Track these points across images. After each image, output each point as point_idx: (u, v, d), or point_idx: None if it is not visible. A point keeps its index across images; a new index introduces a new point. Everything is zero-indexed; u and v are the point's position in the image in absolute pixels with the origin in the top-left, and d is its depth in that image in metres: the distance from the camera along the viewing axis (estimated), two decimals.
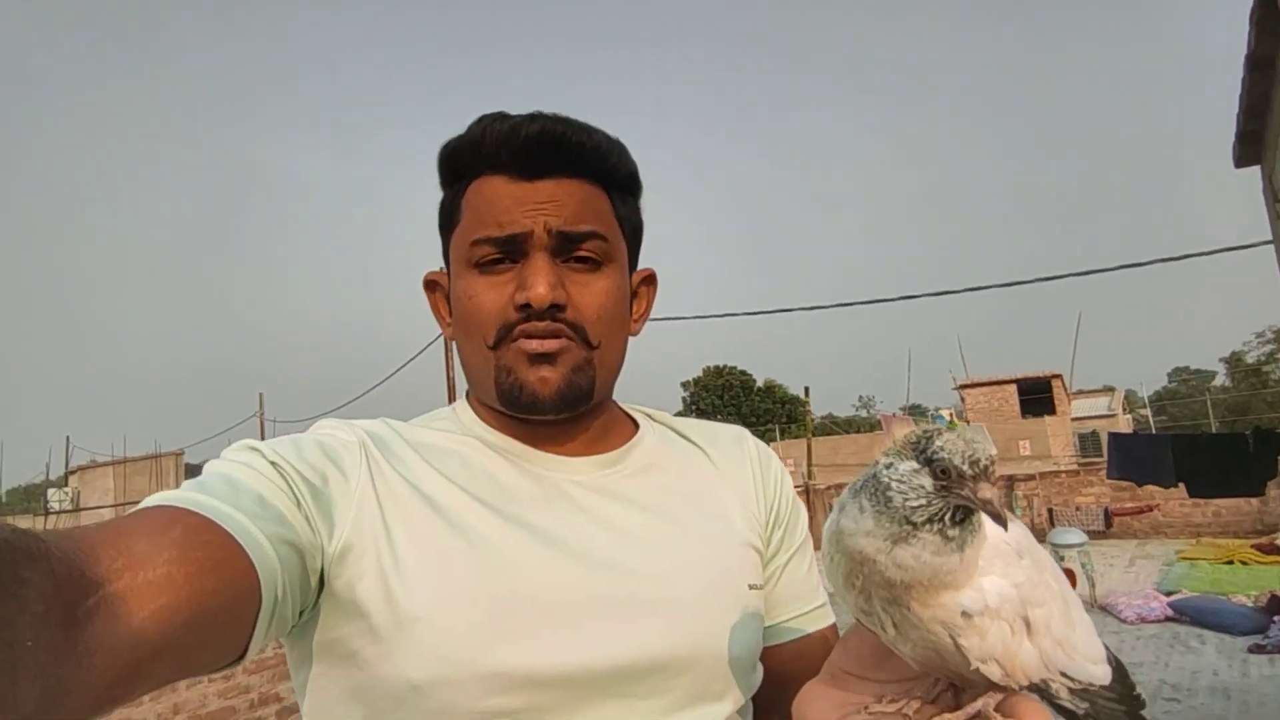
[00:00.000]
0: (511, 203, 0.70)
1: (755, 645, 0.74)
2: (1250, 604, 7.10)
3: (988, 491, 0.44)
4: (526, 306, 0.69)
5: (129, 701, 0.46)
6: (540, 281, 0.69)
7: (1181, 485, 7.12)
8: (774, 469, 0.86)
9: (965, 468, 0.44)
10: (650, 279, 0.84)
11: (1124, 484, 11.51)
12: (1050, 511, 12.57)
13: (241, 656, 0.56)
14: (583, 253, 0.72)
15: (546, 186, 0.71)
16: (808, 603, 0.82)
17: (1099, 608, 7.77)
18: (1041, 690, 0.48)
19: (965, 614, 0.46)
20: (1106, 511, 11.41)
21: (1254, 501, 10.81)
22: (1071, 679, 0.49)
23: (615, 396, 0.84)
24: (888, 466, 0.47)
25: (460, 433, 0.76)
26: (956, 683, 0.51)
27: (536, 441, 0.75)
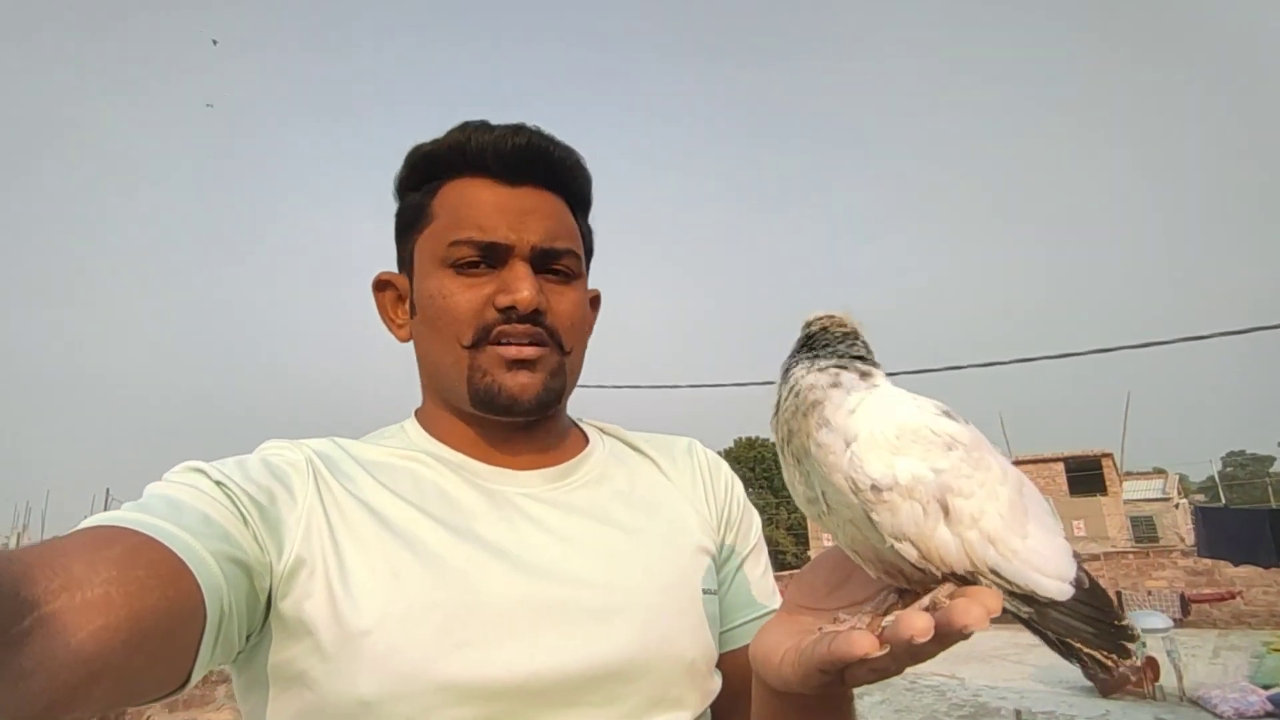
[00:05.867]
0: (493, 209, 0.73)
1: (711, 650, 0.73)
2: None
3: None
4: (510, 309, 0.72)
5: None
6: (526, 286, 0.71)
7: None
8: (724, 474, 0.87)
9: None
10: (596, 300, 0.87)
11: (1200, 569, 10.89)
12: (1119, 595, 11.81)
13: (185, 684, 0.55)
14: (558, 266, 0.76)
15: (527, 195, 0.74)
16: (763, 606, 0.80)
17: (1189, 700, 7.25)
18: (969, 583, 0.49)
19: (875, 488, 0.48)
20: (1183, 597, 10.68)
21: None
22: (1006, 580, 0.49)
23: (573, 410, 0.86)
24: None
25: (409, 449, 0.76)
26: (903, 586, 0.53)
27: (489, 452, 0.76)
